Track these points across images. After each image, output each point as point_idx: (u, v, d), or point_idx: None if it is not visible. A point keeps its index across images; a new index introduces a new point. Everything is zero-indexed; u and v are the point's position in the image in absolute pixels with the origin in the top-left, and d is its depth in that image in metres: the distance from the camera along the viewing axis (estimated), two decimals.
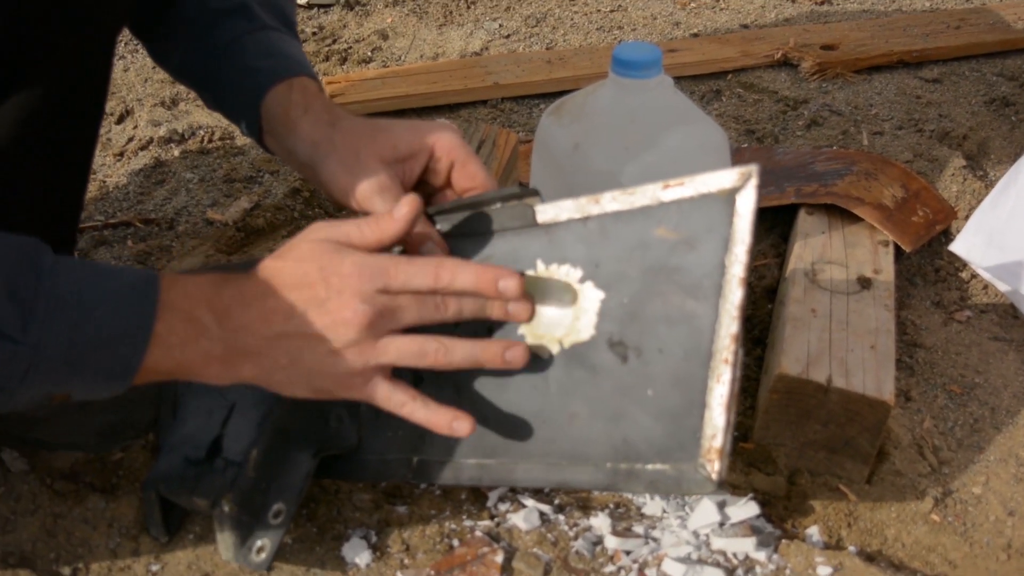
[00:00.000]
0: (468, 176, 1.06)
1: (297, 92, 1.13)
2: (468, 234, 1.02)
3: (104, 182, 1.86)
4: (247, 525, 1.08)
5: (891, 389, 1.20)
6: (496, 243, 1.00)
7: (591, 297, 0.95)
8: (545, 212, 0.97)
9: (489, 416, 1.01)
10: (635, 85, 1.28)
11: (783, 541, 1.13)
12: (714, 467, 0.87)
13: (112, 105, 2.08)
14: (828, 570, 1.09)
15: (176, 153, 1.93)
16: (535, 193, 0.98)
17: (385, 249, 0.95)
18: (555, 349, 0.97)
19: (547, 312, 0.97)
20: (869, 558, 1.15)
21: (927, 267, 1.62)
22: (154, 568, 1.11)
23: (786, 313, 1.33)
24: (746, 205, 0.86)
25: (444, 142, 1.06)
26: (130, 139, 1.98)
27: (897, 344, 1.42)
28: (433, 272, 0.91)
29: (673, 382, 0.90)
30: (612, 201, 0.95)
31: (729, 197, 0.87)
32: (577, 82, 1.41)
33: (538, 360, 0.97)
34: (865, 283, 1.40)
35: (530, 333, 0.98)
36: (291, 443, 1.08)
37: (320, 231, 0.95)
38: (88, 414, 1.23)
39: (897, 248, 1.52)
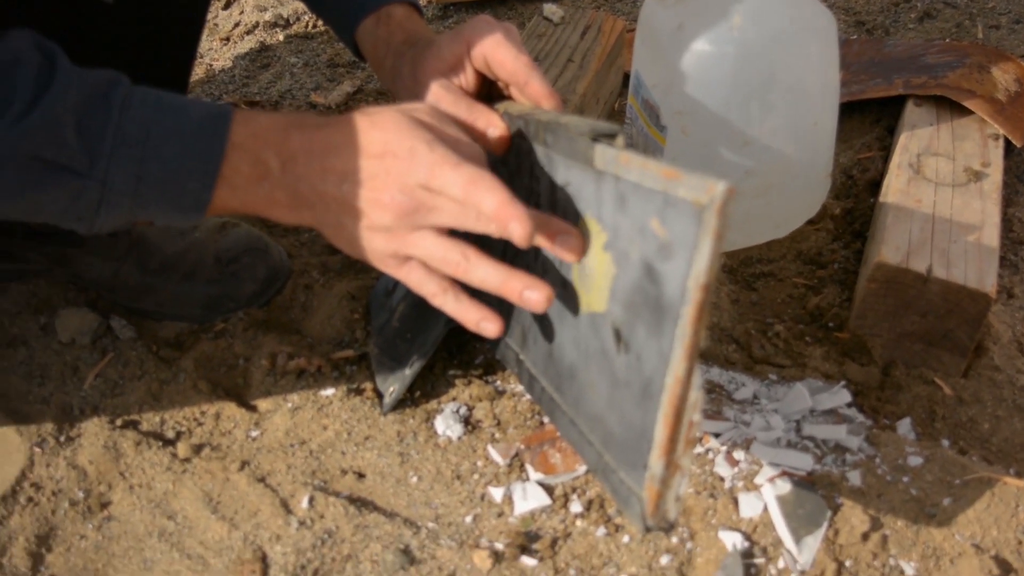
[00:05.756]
0: (499, 64, 1.02)
1: (383, 27, 1.15)
2: (536, 143, 0.94)
3: (211, 65, 1.88)
4: (388, 368, 1.17)
5: (993, 281, 1.17)
6: (560, 170, 0.90)
7: (608, 269, 0.83)
8: (604, 157, 0.82)
9: (552, 348, 0.96)
10: None
11: (874, 430, 1.12)
12: (648, 510, 0.77)
13: None
14: (919, 460, 1.08)
15: (281, 38, 1.94)
16: (614, 134, 0.84)
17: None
18: (583, 308, 0.89)
19: (584, 265, 0.87)
20: (962, 451, 1.14)
21: None
22: (253, 434, 1.15)
23: (888, 204, 1.31)
24: (710, 225, 0.68)
25: (475, 38, 1.03)
26: (236, 24, 2.00)
27: (1002, 241, 1.39)
28: (464, 186, 0.85)
29: (639, 397, 0.79)
30: (632, 169, 0.78)
31: (700, 211, 0.69)
32: None
33: (572, 310, 0.91)
34: (972, 176, 1.36)
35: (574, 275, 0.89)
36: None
37: (423, 108, 0.94)
38: (192, 286, 1.27)
39: (1007, 143, 1.48)
